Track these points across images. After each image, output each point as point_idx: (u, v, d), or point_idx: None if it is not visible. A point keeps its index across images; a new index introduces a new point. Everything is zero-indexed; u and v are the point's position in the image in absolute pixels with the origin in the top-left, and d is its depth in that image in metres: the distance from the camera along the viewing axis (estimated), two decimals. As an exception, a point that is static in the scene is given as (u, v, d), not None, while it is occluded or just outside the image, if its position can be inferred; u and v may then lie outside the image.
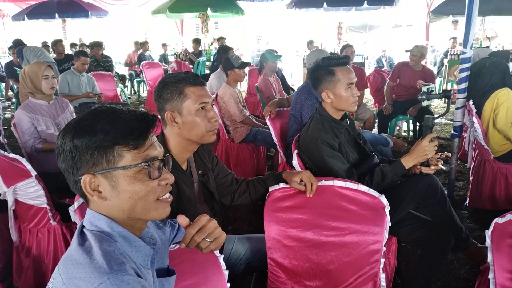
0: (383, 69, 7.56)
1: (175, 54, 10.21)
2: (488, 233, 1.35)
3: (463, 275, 2.26)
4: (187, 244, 1.07)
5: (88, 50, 7.36)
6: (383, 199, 1.50)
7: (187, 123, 1.41)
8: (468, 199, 3.10)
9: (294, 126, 2.99)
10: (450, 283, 2.20)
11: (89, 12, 9.66)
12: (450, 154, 3.25)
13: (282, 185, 1.62)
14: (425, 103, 2.25)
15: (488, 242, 1.35)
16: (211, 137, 1.46)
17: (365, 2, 8.17)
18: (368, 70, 8.11)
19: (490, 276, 1.33)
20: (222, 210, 1.66)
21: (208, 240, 1.07)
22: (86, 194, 0.86)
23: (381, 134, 3.73)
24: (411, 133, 5.27)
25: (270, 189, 1.63)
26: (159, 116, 1.17)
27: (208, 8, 8.62)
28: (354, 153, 2.07)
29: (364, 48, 11.74)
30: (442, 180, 3.47)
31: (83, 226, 0.88)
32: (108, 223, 0.87)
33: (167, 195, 0.93)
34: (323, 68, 1.98)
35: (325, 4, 8.59)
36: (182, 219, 1.05)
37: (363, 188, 1.54)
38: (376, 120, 4.77)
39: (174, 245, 1.19)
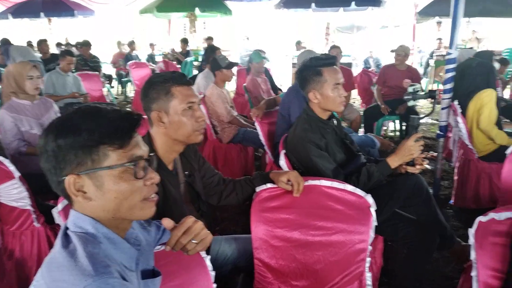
0: (370, 69, 7.62)
1: (163, 54, 10.15)
2: (471, 231, 1.37)
3: (448, 273, 2.29)
4: (173, 246, 1.06)
5: (73, 50, 7.27)
6: (369, 199, 1.51)
7: (173, 123, 1.41)
8: (453, 198, 3.14)
9: (282, 125, 3.00)
10: (435, 281, 2.23)
11: (75, 12, 9.50)
12: (436, 153, 3.30)
13: (269, 185, 1.62)
14: (411, 103, 2.28)
15: (471, 241, 1.37)
16: (197, 137, 1.46)
17: (353, 2, 8.22)
18: (356, 70, 8.17)
19: (473, 273, 1.35)
20: (209, 211, 1.66)
21: (194, 241, 1.06)
22: (70, 195, 0.85)
23: (368, 134, 3.76)
24: (397, 133, 5.32)
25: (257, 189, 1.63)
26: (144, 116, 1.16)
27: (196, 8, 8.59)
28: (341, 153, 2.09)
29: (351, 49, 11.81)
30: (427, 179, 3.51)
31: (67, 228, 0.87)
32: (93, 224, 0.86)
33: (153, 195, 0.92)
34: (311, 68, 1.99)
35: (313, 4, 8.62)
36: (167, 222, 1.05)
37: (350, 187, 1.56)
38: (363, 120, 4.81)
39: (159, 246, 1.18)
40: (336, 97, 1.96)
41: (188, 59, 8.60)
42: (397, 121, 5.16)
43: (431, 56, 8.53)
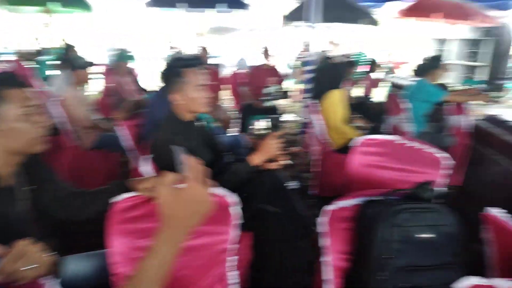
0: (241, 70, 7.87)
1: (16, 53, 8.91)
2: (320, 220, 1.49)
3: (310, 260, 2.47)
4: (4, 275, 0.91)
5: None
6: (230, 197, 1.53)
7: (7, 131, 1.23)
8: (313, 189, 3.43)
9: (150, 128, 2.88)
10: (300, 269, 2.37)
11: None
12: (298, 148, 3.56)
13: (128, 194, 1.52)
14: (268, 104, 2.44)
15: (321, 228, 1.50)
16: (38, 145, 1.30)
17: (222, 5, 8.35)
18: (226, 72, 8.35)
19: (324, 258, 1.48)
20: (60, 228, 1.49)
21: (28, 267, 0.93)
22: None
23: (237, 134, 3.87)
24: (268, 131, 5.58)
25: (114, 200, 1.51)
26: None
27: (52, 3, 7.73)
28: (207, 154, 2.09)
29: (222, 50, 12.07)
30: (290, 173, 3.76)
31: None
32: None
33: None
34: (172, 70, 1.95)
35: (184, 4, 8.52)
36: None
37: (212, 188, 1.55)
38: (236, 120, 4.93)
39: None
40: (199, 98, 1.95)
41: (42, 58, 7.70)
42: (267, 120, 5.42)
43: (296, 58, 9.19)
